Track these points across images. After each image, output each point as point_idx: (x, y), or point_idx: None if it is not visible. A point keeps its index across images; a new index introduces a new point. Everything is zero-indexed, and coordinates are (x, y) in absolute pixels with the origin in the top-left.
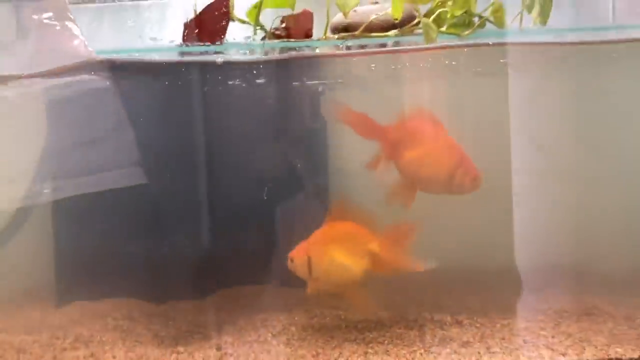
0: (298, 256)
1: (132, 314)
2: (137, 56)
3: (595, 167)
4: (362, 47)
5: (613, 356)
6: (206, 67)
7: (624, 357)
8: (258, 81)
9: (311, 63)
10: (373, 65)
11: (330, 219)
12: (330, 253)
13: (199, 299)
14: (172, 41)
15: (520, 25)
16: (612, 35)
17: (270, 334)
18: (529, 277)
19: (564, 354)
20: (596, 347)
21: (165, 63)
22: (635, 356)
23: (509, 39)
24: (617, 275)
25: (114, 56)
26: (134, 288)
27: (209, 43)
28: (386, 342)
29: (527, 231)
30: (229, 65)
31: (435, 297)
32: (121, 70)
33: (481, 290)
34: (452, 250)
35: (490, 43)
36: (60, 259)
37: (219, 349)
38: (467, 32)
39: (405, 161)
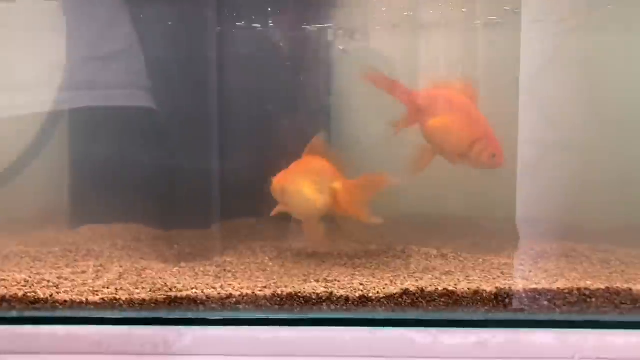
0: (274, 183)
1: (139, 237)
2: None
3: (599, 131)
4: None
5: (582, 286)
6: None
7: (591, 287)
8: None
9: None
10: (384, 9)
11: (307, 153)
12: (298, 183)
13: (203, 227)
14: None
15: None
16: None
17: (267, 258)
18: (520, 228)
19: (537, 284)
20: (568, 280)
21: None
22: (603, 287)
23: None
24: (600, 228)
25: None
26: (142, 214)
27: None
28: (373, 267)
29: (525, 188)
30: None
31: (427, 236)
32: None
33: (473, 235)
34: (454, 200)
35: None
36: (74, 183)
37: (218, 265)
38: None
39: (427, 127)
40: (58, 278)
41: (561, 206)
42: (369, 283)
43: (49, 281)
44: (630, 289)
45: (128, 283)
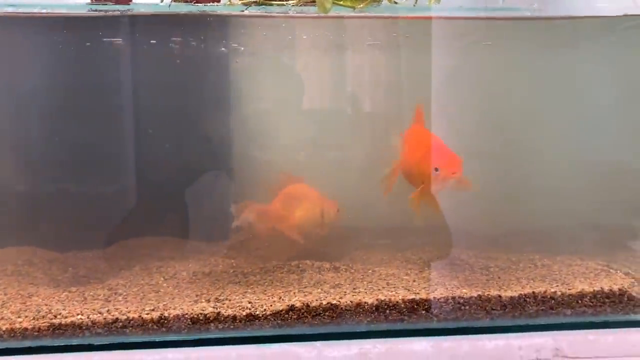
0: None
1: (32, 260)
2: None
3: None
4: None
5: (458, 295)
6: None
7: (466, 295)
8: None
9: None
10: (264, 33)
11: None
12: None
13: (101, 248)
14: None
15: (415, 3)
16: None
17: (162, 278)
18: (414, 236)
19: (416, 294)
20: (446, 289)
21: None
22: (476, 295)
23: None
24: (485, 235)
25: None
26: (38, 237)
27: (115, 3)
28: (266, 284)
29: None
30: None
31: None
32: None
33: (371, 246)
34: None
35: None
36: None
37: (110, 288)
38: (361, 5)
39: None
40: None
41: (454, 213)
42: (258, 301)
43: None
44: (500, 296)
45: (10, 312)
